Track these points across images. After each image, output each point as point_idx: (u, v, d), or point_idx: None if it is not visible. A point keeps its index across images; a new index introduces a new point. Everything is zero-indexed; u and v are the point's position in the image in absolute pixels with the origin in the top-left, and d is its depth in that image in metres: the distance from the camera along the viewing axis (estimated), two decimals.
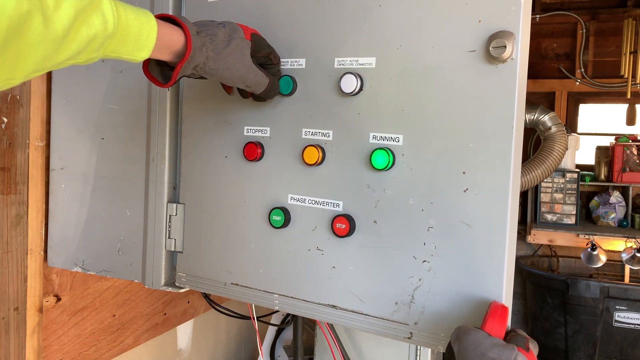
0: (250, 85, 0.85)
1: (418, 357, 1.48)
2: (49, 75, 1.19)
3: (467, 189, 0.77)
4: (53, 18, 0.58)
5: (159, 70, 0.80)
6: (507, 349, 0.62)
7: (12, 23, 0.54)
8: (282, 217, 0.90)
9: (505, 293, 0.75)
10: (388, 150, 0.81)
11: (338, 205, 0.87)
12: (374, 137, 0.84)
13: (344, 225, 0.85)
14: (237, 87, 0.87)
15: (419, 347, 1.48)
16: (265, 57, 0.88)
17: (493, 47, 0.73)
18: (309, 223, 0.90)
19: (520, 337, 0.67)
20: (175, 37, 0.74)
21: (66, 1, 0.60)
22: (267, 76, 0.86)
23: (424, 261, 0.80)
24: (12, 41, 0.56)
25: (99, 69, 1.12)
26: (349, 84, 0.84)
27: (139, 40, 0.70)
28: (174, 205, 1.04)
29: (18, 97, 1.16)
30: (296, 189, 0.91)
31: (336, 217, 0.86)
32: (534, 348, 0.67)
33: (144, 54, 0.72)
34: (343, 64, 0.86)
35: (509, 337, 0.68)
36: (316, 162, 0.87)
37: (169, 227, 1.04)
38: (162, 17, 0.77)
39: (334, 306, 0.88)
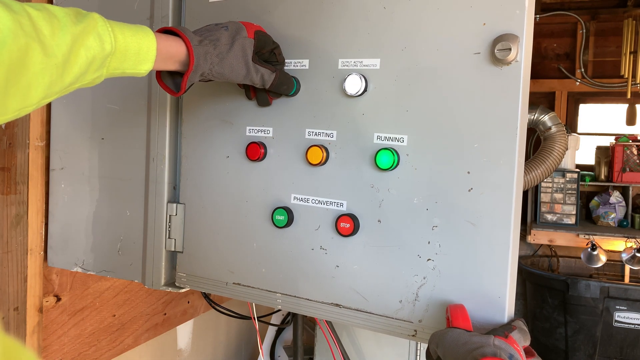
0: (257, 82, 0.86)
1: (418, 357, 1.48)
2: None
3: (471, 189, 0.77)
4: (51, 46, 0.63)
5: (171, 80, 0.83)
6: (484, 336, 0.67)
7: (12, 56, 0.58)
8: (286, 216, 0.90)
9: (509, 291, 0.76)
10: (393, 150, 0.82)
11: (342, 204, 0.87)
12: (379, 138, 0.84)
13: (348, 225, 0.85)
14: (245, 84, 0.88)
15: (418, 346, 1.48)
16: (270, 52, 0.88)
17: (498, 50, 0.74)
18: (313, 222, 0.90)
19: (499, 329, 0.71)
20: (175, 48, 0.78)
21: (61, 28, 0.64)
22: (273, 71, 0.87)
23: (429, 260, 0.81)
24: (18, 73, 0.60)
25: None
26: (354, 84, 0.84)
27: (139, 55, 0.73)
28: (174, 205, 1.04)
29: None
30: (299, 189, 0.91)
31: (340, 217, 0.86)
32: (520, 335, 0.70)
33: (147, 67, 0.75)
34: (347, 65, 0.86)
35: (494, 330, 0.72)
36: (320, 162, 0.87)
37: (169, 227, 1.04)
38: (164, 30, 0.80)
39: (337, 305, 0.88)
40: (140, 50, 0.73)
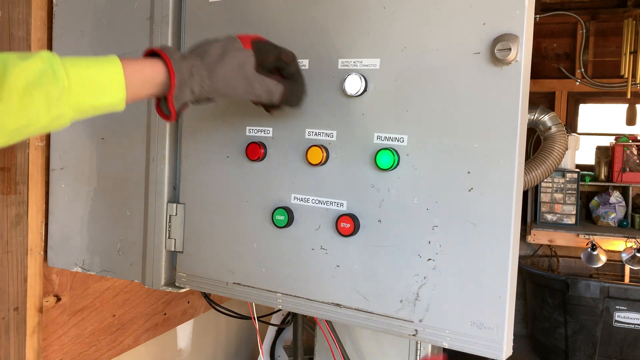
0: (262, 96, 0.81)
1: (418, 357, 1.47)
2: None
3: (472, 188, 0.77)
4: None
5: (166, 105, 0.77)
6: None
7: None
8: (286, 216, 0.90)
9: (509, 290, 0.76)
10: (393, 150, 0.82)
11: (342, 204, 0.87)
12: (379, 138, 0.84)
13: (348, 225, 0.85)
14: (249, 100, 0.83)
15: (419, 346, 1.48)
16: (276, 60, 0.82)
17: (498, 50, 0.74)
18: (313, 222, 0.90)
19: None
20: (150, 69, 0.72)
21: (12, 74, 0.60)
22: (279, 83, 0.81)
23: (429, 259, 0.81)
24: None
25: None
26: (354, 84, 0.84)
27: (101, 84, 0.68)
28: (174, 205, 1.04)
29: None
30: (299, 189, 0.91)
31: (340, 217, 0.86)
32: None
33: (118, 97, 0.70)
34: (347, 65, 0.86)
35: None
36: (320, 162, 0.87)
37: (169, 227, 1.04)
38: (149, 53, 0.76)
39: (338, 304, 0.88)
40: (101, 79, 0.67)
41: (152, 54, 0.76)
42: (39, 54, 0.65)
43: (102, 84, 0.68)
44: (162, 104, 0.77)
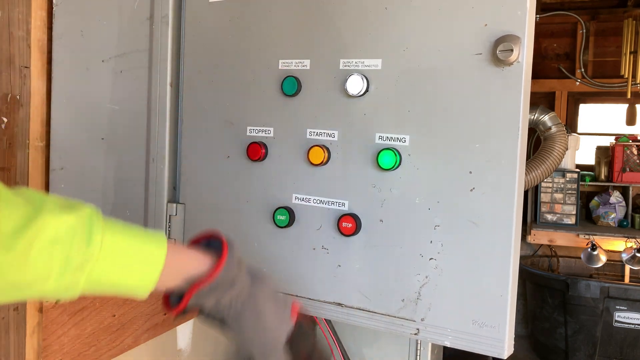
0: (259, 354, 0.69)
1: (418, 357, 1.47)
2: (48, 75, 1.18)
3: (473, 188, 0.78)
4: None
5: (180, 295, 0.66)
6: None
7: None
8: (287, 216, 0.90)
9: (510, 290, 0.77)
10: (395, 150, 0.82)
11: (344, 204, 0.87)
12: (380, 138, 0.84)
13: (350, 224, 0.85)
14: (247, 351, 0.70)
15: (419, 347, 1.48)
16: (305, 355, 0.73)
17: (500, 51, 0.74)
18: (314, 222, 0.90)
19: None
20: (194, 264, 0.65)
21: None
22: None
23: (431, 259, 0.81)
24: None
25: (99, 69, 1.11)
26: (356, 85, 0.84)
27: (133, 263, 0.59)
28: (174, 205, 1.03)
29: (18, 97, 1.15)
30: (301, 189, 0.91)
31: (342, 217, 0.86)
32: None
33: (144, 283, 0.60)
34: (348, 65, 0.86)
35: None
36: (321, 162, 0.87)
37: (169, 227, 1.04)
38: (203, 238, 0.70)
39: (339, 304, 0.88)
40: (138, 257, 0.59)
41: (209, 242, 0.69)
42: (83, 209, 0.57)
43: (137, 262, 0.60)
44: (174, 295, 0.67)
